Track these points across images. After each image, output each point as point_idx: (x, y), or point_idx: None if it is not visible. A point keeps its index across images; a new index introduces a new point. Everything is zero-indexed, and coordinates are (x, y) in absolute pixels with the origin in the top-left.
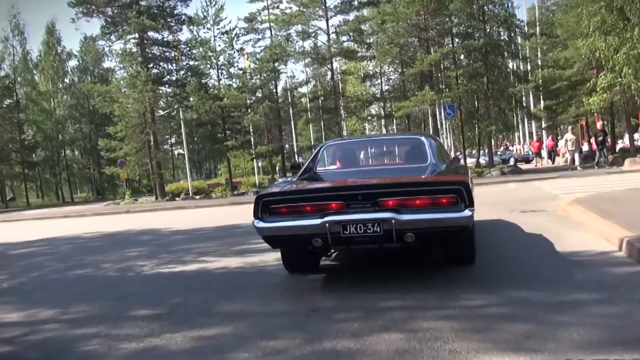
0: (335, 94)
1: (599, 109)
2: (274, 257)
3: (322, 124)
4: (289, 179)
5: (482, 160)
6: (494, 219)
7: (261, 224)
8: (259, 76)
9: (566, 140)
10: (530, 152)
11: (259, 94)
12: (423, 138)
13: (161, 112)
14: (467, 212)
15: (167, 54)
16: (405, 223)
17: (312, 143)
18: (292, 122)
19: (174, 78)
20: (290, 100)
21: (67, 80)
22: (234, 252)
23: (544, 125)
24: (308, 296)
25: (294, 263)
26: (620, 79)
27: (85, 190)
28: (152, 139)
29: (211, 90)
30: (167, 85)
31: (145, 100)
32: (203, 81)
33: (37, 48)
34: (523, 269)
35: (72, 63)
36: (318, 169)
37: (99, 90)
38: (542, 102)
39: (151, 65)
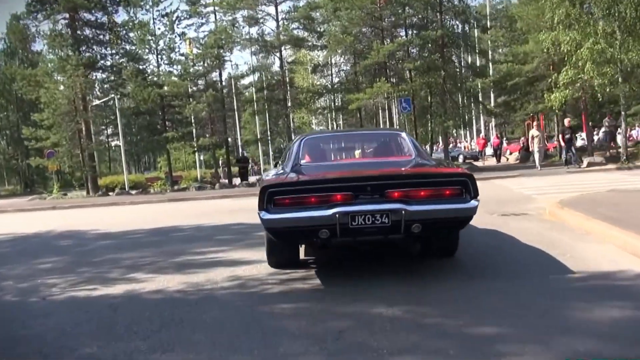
0: (284, 84)
1: (560, 105)
2: (224, 276)
3: (267, 116)
4: (280, 170)
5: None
6: (475, 224)
7: (268, 216)
8: (202, 63)
9: (532, 137)
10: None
11: (201, 83)
12: (403, 134)
13: (96, 102)
14: (473, 203)
15: (102, 36)
16: (414, 214)
17: (259, 136)
18: (235, 114)
19: (108, 63)
20: (234, 90)
21: None
22: (174, 265)
23: (494, 122)
24: (279, 342)
25: (280, 258)
26: (582, 75)
27: (13, 183)
28: (83, 128)
29: (150, 77)
30: (101, 71)
31: (76, 86)
32: (141, 67)
33: None
34: (561, 303)
35: None
36: (304, 162)
37: (22, 74)
38: (492, 97)
39: (83, 48)
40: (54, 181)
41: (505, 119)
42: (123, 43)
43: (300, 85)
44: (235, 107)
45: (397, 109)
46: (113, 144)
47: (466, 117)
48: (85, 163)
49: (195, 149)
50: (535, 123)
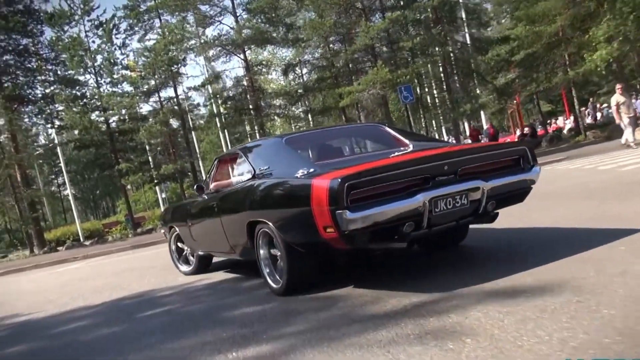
0: (253, 90)
1: (605, 65)
2: None
3: (226, 134)
4: (300, 172)
5: None
6: None
7: (354, 215)
8: (152, 74)
9: (617, 104)
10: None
11: (153, 100)
12: (384, 126)
13: (40, 150)
14: (536, 169)
15: (27, 63)
16: (492, 189)
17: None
18: (194, 138)
19: (39, 94)
20: (187, 108)
21: None
22: None
23: (483, 111)
24: None
25: (300, 281)
26: (625, 26)
27: None
28: (17, 174)
29: (91, 101)
30: (31, 104)
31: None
32: (78, 92)
33: None
34: None
35: None
36: (311, 161)
37: None
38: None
39: (6, 79)
40: None
41: (502, 103)
42: (53, 67)
43: (271, 90)
44: (191, 126)
45: (399, 98)
46: (65, 192)
47: (482, 99)
48: (24, 215)
49: (156, 181)
50: (620, 86)
